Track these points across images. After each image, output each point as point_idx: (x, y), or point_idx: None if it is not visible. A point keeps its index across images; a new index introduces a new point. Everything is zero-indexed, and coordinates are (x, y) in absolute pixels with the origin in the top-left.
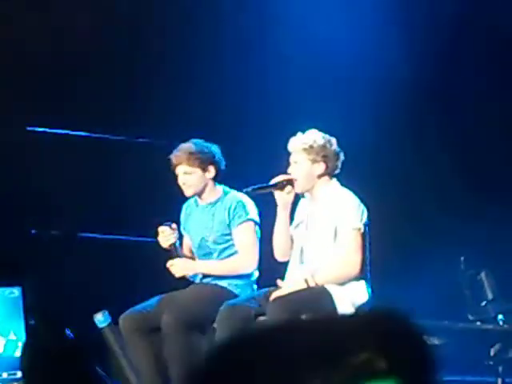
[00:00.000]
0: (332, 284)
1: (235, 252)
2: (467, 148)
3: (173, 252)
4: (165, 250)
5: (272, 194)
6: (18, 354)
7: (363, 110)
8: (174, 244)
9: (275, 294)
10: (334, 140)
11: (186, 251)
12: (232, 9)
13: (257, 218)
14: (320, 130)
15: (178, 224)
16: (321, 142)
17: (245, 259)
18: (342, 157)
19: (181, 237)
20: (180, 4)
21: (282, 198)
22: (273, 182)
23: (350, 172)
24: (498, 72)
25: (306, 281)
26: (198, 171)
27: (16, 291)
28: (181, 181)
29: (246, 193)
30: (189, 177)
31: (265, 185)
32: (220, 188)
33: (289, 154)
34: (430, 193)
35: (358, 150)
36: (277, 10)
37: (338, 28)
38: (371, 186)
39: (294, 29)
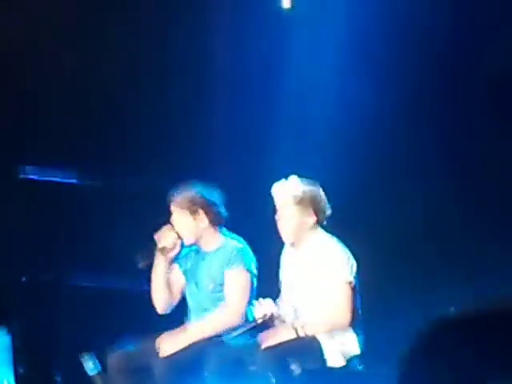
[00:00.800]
0: (322, 332)
1: None
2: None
3: (150, 253)
4: (154, 245)
5: None
6: None
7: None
8: (161, 250)
9: (267, 342)
10: (319, 188)
11: (177, 287)
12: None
13: (252, 268)
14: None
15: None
16: (310, 193)
17: (231, 309)
18: (328, 208)
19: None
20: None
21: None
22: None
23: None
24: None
25: (296, 330)
26: (188, 216)
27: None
28: (176, 225)
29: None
30: (180, 221)
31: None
32: (222, 236)
33: (272, 197)
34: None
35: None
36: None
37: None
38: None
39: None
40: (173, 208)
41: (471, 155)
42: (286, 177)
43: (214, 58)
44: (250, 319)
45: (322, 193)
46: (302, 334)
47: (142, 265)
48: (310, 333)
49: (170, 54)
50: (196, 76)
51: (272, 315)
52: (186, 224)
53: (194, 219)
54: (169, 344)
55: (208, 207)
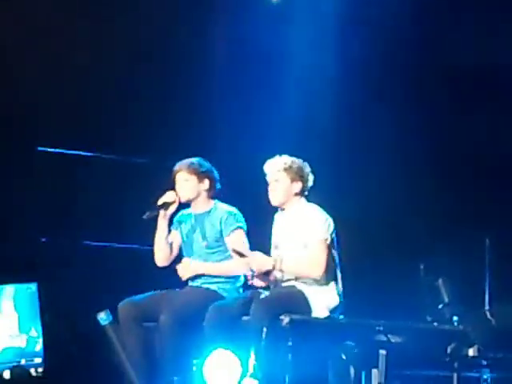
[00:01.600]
0: (294, 273)
1: (225, 257)
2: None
3: (155, 210)
4: (155, 204)
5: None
6: (38, 348)
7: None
8: (162, 205)
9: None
10: (307, 164)
11: (174, 247)
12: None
13: (245, 227)
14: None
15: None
16: (298, 163)
17: (238, 262)
18: (312, 179)
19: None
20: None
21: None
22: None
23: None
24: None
25: (275, 261)
26: (194, 180)
27: (32, 287)
28: (178, 186)
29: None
30: (185, 183)
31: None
32: (212, 201)
33: (264, 174)
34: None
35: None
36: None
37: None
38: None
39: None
40: (181, 173)
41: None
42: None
43: (213, 51)
44: (241, 294)
45: (307, 166)
46: (277, 267)
47: (146, 216)
48: (284, 267)
49: (173, 46)
50: (198, 69)
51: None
52: (190, 186)
53: (199, 182)
54: (188, 265)
55: (211, 177)
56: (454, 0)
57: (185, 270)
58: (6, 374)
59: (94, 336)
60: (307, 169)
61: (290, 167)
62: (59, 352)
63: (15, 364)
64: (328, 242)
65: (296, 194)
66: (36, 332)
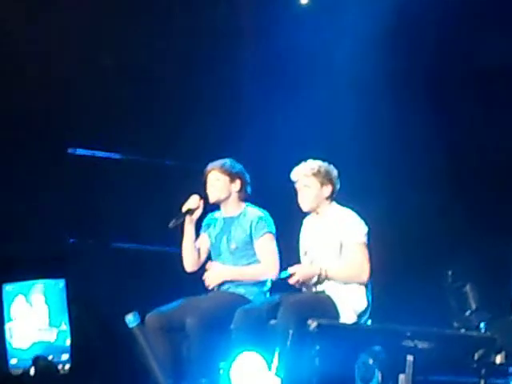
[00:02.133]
0: (340, 281)
1: (253, 261)
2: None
3: (180, 217)
4: (180, 211)
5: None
6: (68, 343)
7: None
8: (187, 212)
9: (294, 269)
10: (333, 166)
11: (202, 251)
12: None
13: (274, 231)
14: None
15: (198, 229)
16: (325, 166)
17: (267, 266)
18: (339, 183)
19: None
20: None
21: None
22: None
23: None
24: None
25: (321, 270)
26: (226, 179)
27: (61, 283)
28: (209, 186)
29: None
30: (217, 182)
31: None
32: (243, 204)
33: (292, 182)
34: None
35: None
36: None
37: None
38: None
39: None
40: (213, 173)
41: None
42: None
43: (242, 54)
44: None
45: (334, 169)
46: (323, 275)
47: (172, 225)
48: (330, 274)
49: (201, 49)
50: (227, 71)
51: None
52: (221, 185)
53: (231, 183)
54: (216, 273)
55: (242, 178)
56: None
57: (212, 278)
58: (32, 371)
59: (120, 335)
60: (335, 172)
61: (319, 171)
62: (86, 349)
63: (43, 359)
64: (366, 245)
65: (327, 198)
66: (66, 326)
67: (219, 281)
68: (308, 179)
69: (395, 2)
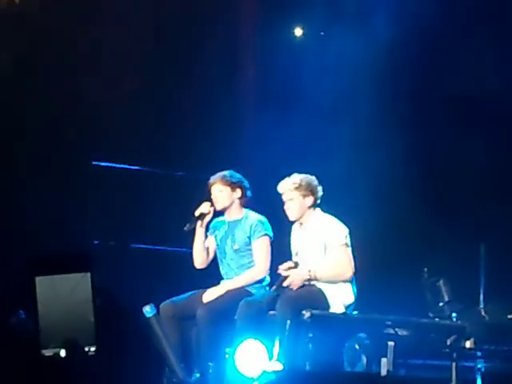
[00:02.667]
0: (328, 279)
1: (251, 261)
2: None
3: (193, 221)
4: (193, 216)
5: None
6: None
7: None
8: (199, 216)
9: (287, 273)
10: (314, 177)
11: (210, 251)
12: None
13: (271, 234)
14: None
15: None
16: (306, 180)
17: (258, 269)
18: (321, 190)
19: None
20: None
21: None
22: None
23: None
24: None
25: (310, 272)
26: (228, 190)
27: (87, 275)
28: (214, 197)
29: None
30: (220, 193)
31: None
32: (244, 210)
33: (279, 194)
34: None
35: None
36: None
37: None
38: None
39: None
40: (216, 185)
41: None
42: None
43: (240, 79)
44: (267, 291)
45: (315, 179)
46: (312, 276)
47: (186, 228)
48: (319, 276)
49: (209, 69)
50: (231, 92)
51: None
52: (225, 195)
53: (232, 192)
54: (211, 292)
55: (242, 186)
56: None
57: (209, 296)
58: (63, 353)
59: (141, 326)
60: (315, 182)
61: (300, 185)
62: (108, 333)
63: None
64: (348, 246)
65: (309, 207)
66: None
67: (217, 295)
68: (291, 193)
69: (379, 34)
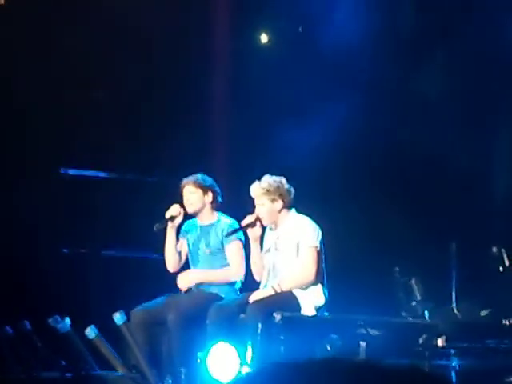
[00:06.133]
0: (293, 289)
1: (226, 263)
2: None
3: (163, 222)
4: (164, 217)
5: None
6: None
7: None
8: (170, 218)
9: (252, 297)
10: (283, 179)
11: (183, 254)
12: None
13: (243, 239)
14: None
15: (178, 233)
16: (274, 184)
17: (235, 269)
18: (293, 191)
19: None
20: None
21: (253, 233)
22: (244, 224)
23: (307, 201)
24: None
25: (274, 288)
26: (200, 192)
27: None
28: (185, 199)
29: (227, 234)
30: (191, 196)
31: (239, 227)
32: (216, 213)
33: (252, 198)
34: (372, 221)
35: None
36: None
37: None
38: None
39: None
40: (187, 187)
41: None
42: (260, 177)
43: (211, 84)
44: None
45: (284, 182)
46: (278, 290)
47: (156, 228)
48: (284, 288)
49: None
50: (201, 100)
51: (256, 219)
52: (196, 199)
53: (204, 195)
54: (186, 277)
55: (214, 190)
56: None
57: (184, 282)
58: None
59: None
60: (285, 186)
61: (268, 190)
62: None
63: None
64: (318, 249)
65: (280, 211)
66: None
67: (190, 284)
68: (260, 198)
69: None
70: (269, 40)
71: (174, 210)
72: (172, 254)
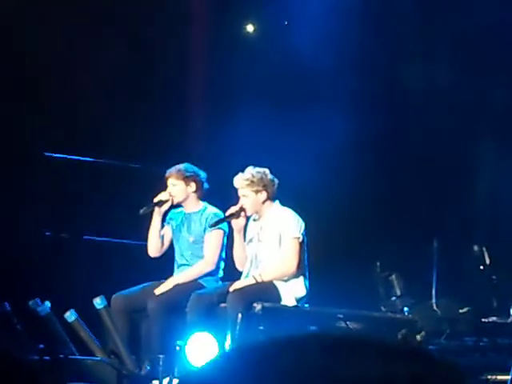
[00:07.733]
0: (274, 280)
1: None
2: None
3: (151, 206)
4: (152, 202)
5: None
6: None
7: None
8: (158, 203)
9: (233, 287)
10: (267, 170)
11: (166, 240)
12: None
13: (226, 229)
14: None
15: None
16: (258, 175)
17: (207, 260)
18: (276, 182)
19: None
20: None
21: (237, 224)
22: (228, 213)
23: (291, 194)
24: None
25: (255, 277)
26: (182, 184)
27: None
28: (169, 191)
29: (211, 225)
30: (173, 188)
31: (223, 217)
32: (202, 203)
33: (236, 189)
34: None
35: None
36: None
37: None
38: (310, 205)
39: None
40: (171, 178)
41: None
42: (243, 169)
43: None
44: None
45: (268, 173)
46: (259, 280)
47: (142, 211)
48: (265, 279)
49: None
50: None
51: (240, 209)
52: (179, 189)
53: (186, 186)
54: (161, 289)
55: (196, 180)
56: None
57: (160, 288)
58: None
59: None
60: (268, 177)
61: (252, 182)
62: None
63: None
64: (300, 240)
65: (263, 202)
66: None
67: (166, 289)
68: (244, 190)
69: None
70: (254, 31)
71: (164, 195)
72: (155, 238)
